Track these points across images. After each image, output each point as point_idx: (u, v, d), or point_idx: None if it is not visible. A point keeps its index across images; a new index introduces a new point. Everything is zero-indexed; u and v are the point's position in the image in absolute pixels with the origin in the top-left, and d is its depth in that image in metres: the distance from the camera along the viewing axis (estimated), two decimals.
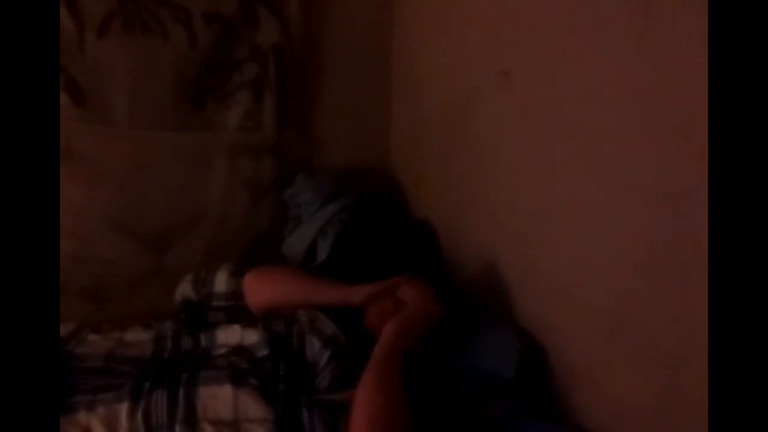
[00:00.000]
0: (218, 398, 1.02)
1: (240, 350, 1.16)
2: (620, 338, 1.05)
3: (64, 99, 1.65)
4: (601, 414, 1.11)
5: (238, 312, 1.39)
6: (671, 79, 0.89)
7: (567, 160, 1.16)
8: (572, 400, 1.19)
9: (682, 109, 0.87)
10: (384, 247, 1.72)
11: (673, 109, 0.89)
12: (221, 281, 1.45)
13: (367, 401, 0.96)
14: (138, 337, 1.30)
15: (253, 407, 1.01)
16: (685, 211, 0.88)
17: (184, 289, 1.48)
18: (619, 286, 1.04)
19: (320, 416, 1.01)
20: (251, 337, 1.20)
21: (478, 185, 1.53)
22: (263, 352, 1.13)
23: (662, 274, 0.94)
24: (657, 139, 0.93)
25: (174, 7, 1.71)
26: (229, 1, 1.76)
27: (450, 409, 1.17)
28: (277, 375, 1.07)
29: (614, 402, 1.08)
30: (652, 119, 0.94)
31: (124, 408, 1.00)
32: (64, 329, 1.31)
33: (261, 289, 1.29)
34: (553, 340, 1.24)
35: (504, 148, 1.39)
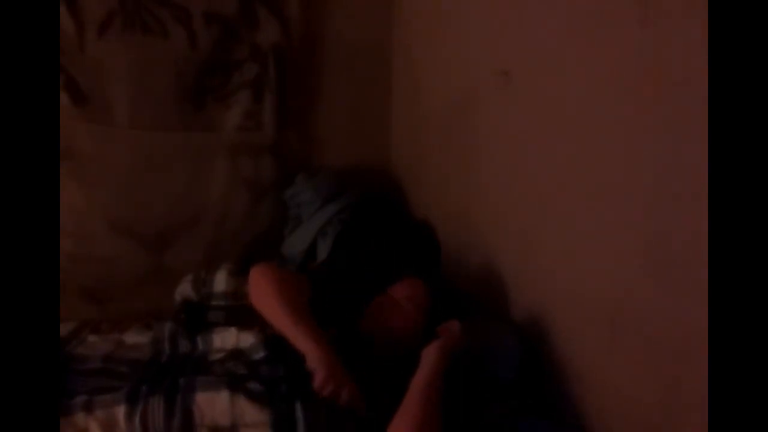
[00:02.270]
0: (215, 405, 1.02)
1: (237, 354, 1.16)
2: (620, 338, 1.05)
3: (64, 99, 1.66)
4: (602, 414, 1.11)
5: (237, 311, 1.39)
6: (671, 79, 0.89)
7: (567, 160, 1.16)
8: (573, 400, 1.19)
9: (682, 108, 0.87)
10: (384, 247, 1.72)
11: (673, 109, 0.89)
12: (221, 281, 1.45)
13: (411, 417, 1.00)
14: (137, 339, 1.30)
15: (250, 412, 1.01)
16: (685, 211, 0.88)
17: (184, 289, 1.48)
18: (619, 285, 1.04)
19: (321, 418, 1.01)
20: (247, 339, 1.20)
21: (478, 185, 1.53)
22: (259, 355, 1.13)
23: (662, 274, 0.94)
24: (657, 139, 0.93)
25: (174, 7, 1.71)
26: (229, 1, 1.76)
27: (444, 409, 1.17)
28: (276, 377, 1.08)
29: (615, 402, 1.08)
30: (652, 119, 0.93)
31: (121, 411, 1.00)
32: (64, 329, 1.31)
33: (254, 298, 1.28)
34: (554, 339, 1.24)
35: (504, 148, 1.39)
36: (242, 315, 1.37)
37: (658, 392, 0.97)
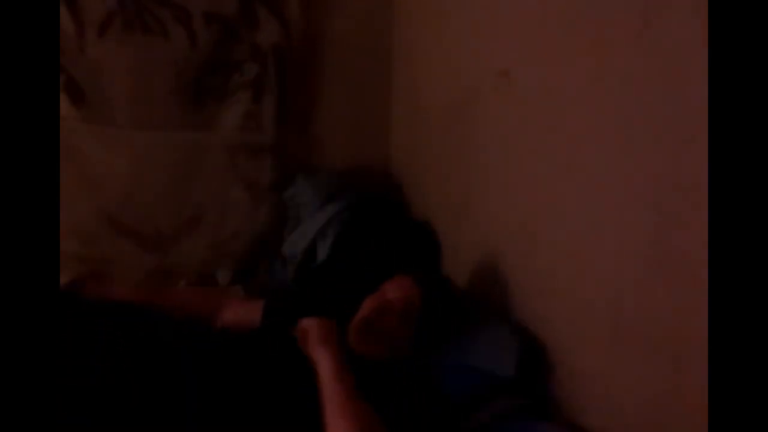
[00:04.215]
0: None
1: None
2: (620, 338, 1.05)
3: (64, 99, 1.65)
4: (601, 414, 1.11)
5: None
6: (671, 79, 0.89)
7: (567, 160, 1.16)
8: (572, 400, 1.19)
9: (682, 109, 0.87)
10: (384, 248, 1.71)
11: (673, 109, 0.89)
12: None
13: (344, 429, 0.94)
14: None
15: None
16: (685, 210, 0.88)
17: None
18: (619, 285, 1.04)
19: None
20: None
21: (478, 185, 1.53)
22: None
23: (662, 274, 0.94)
24: (657, 139, 0.93)
25: (174, 7, 1.71)
26: (229, 1, 1.76)
27: (444, 409, 1.17)
28: None
29: (614, 402, 1.08)
30: (652, 119, 0.94)
31: None
32: None
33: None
34: (553, 339, 1.24)
35: (504, 148, 1.39)
36: None
37: (658, 393, 0.97)
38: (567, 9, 1.12)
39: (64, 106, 1.66)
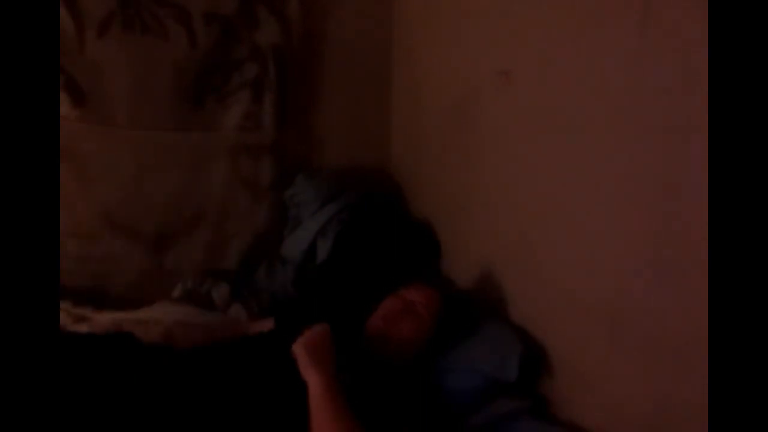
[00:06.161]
0: None
1: None
2: (620, 338, 1.05)
3: (64, 99, 1.65)
4: (601, 414, 1.11)
5: None
6: (671, 79, 0.89)
7: (567, 161, 1.16)
8: (572, 400, 1.19)
9: (682, 108, 0.87)
10: (384, 247, 1.72)
11: (673, 108, 0.89)
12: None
13: None
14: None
15: None
16: (685, 211, 0.88)
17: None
18: (618, 286, 1.04)
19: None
20: None
21: (478, 185, 1.53)
22: None
23: (662, 274, 0.94)
24: (657, 138, 0.93)
25: (174, 7, 1.71)
26: (228, 1, 1.76)
27: (445, 410, 1.17)
28: None
29: (614, 402, 1.08)
30: (652, 119, 0.94)
31: None
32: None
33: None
34: (553, 340, 1.24)
35: (504, 148, 1.39)
36: None
37: (658, 392, 0.97)
38: (567, 9, 1.12)
39: (64, 106, 1.66)
